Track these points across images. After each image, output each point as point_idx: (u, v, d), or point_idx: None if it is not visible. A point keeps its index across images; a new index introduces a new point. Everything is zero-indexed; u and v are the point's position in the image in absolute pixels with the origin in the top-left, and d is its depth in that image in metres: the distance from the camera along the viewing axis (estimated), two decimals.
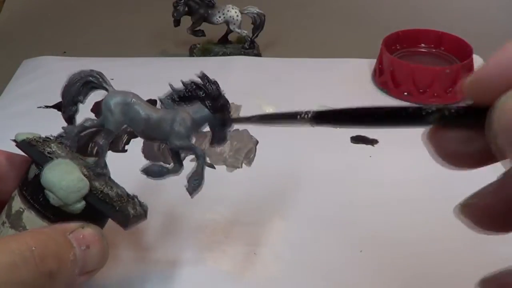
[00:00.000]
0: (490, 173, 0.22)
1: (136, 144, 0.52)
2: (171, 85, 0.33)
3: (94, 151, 0.51)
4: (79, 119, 0.35)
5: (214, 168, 0.50)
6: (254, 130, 0.54)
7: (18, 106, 0.58)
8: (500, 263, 0.21)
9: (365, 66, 0.65)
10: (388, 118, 0.21)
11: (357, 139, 0.53)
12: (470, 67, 0.58)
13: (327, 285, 0.39)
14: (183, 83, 0.33)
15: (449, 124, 0.21)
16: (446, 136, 0.21)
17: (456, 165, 0.22)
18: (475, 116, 0.20)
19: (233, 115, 0.34)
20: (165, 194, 0.43)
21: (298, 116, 0.24)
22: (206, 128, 0.34)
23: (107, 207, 0.31)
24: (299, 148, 0.52)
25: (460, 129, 0.21)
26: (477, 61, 0.60)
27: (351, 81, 0.63)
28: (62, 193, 0.29)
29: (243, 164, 0.50)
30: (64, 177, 0.29)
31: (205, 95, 0.33)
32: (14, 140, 0.32)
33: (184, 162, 0.36)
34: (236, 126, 0.38)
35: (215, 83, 0.33)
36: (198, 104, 0.33)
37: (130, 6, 0.86)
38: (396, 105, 0.21)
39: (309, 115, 0.24)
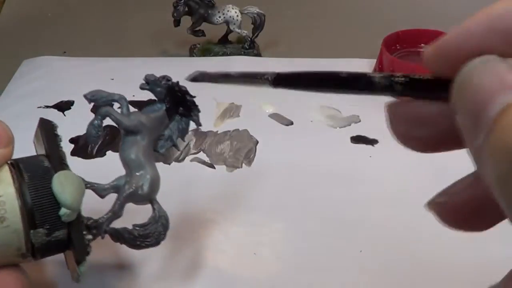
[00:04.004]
0: None
1: None
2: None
3: (94, 151, 0.51)
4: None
5: (214, 168, 0.50)
6: (254, 130, 0.54)
7: (18, 106, 0.58)
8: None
9: (365, 66, 0.65)
10: (351, 83, 0.20)
11: (357, 139, 0.53)
12: None
13: (327, 285, 0.39)
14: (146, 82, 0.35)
15: (416, 94, 0.20)
16: (408, 112, 0.20)
17: (408, 146, 0.20)
18: (441, 89, 0.18)
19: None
20: (165, 194, 0.43)
21: (260, 77, 0.24)
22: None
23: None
24: (299, 148, 0.52)
25: (427, 104, 0.19)
26: None
27: None
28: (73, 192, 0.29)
29: (243, 164, 0.50)
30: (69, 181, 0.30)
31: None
32: None
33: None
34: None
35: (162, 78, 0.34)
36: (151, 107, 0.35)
37: (130, 6, 0.86)
38: (360, 72, 0.20)
39: (270, 77, 0.23)
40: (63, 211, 0.28)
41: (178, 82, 0.34)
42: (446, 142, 0.20)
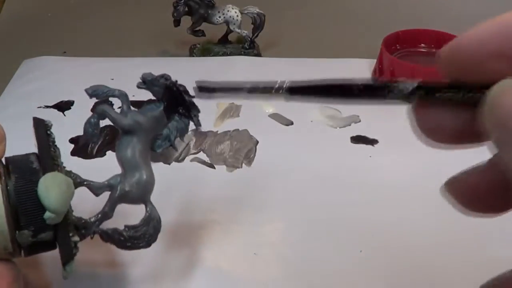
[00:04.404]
0: None
1: None
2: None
3: (94, 151, 0.51)
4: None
5: (214, 168, 0.50)
6: (254, 130, 0.54)
7: (18, 106, 0.58)
8: (500, 265, 0.21)
9: (365, 66, 0.65)
10: (366, 93, 0.20)
11: (357, 139, 0.53)
12: None
13: (327, 285, 0.39)
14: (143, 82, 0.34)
15: (434, 101, 0.20)
16: (430, 108, 0.21)
17: (436, 140, 0.21)
18: (462, 94, 0.19)
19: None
20: (164, 194, 0.43)
21: (273, 90, 0.23)
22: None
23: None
24: (299, 148, 0.52)
25: (447, 105, 0.20)
26: None
27: None
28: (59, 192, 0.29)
29: (243, 164, 0.50)
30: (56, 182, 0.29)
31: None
32: None
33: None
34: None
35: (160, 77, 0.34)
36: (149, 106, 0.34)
37: (130, 6, 0.86)
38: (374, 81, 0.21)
39: (284, 89, 0.23)
40: (47, 214, 0.28)
41: (176, 81, 0.33)
42: (471, 134, 0.20)
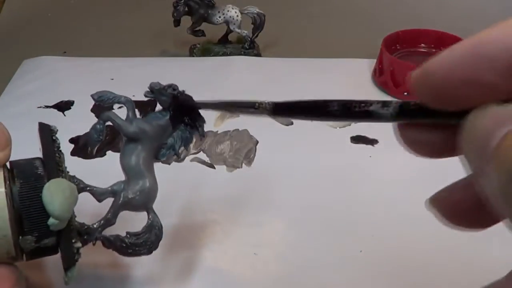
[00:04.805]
0: None
1: None
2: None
3: (94, 151, 0.51)
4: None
5: (214, 168, 0.50)
6: (254, 130, 0.54)
7: (18, 106, 0.58)
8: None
9: (365, 66, 0.65)
10: (346, 112, 0.21)
11: (357, 139, 0.53)
12: None
13: (327, 285, 0.39)
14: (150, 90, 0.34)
15: (411, 119, 0.21)
16: (411, 125, 0.21)
17: (418, 154, 0.21)
18: (439, 115, 0.19)
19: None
20: (164, 194, 0.43)
21: (257, 106, 0.24)
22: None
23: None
24: (299, 148, 0.52)
25: (426, 124, 0.21)
26: None
27: (351, 81, 0.63)
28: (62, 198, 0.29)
29: (243, 164, 0.50)
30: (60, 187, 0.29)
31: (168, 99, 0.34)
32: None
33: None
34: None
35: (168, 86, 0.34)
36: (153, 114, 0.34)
37: (130, 6, 0.86)
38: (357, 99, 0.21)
39: (268, 106, 0.24)
40: (51, 221, 0.28)
41: (184, 91, 0.34)
42: (451, 149, 0.20)
